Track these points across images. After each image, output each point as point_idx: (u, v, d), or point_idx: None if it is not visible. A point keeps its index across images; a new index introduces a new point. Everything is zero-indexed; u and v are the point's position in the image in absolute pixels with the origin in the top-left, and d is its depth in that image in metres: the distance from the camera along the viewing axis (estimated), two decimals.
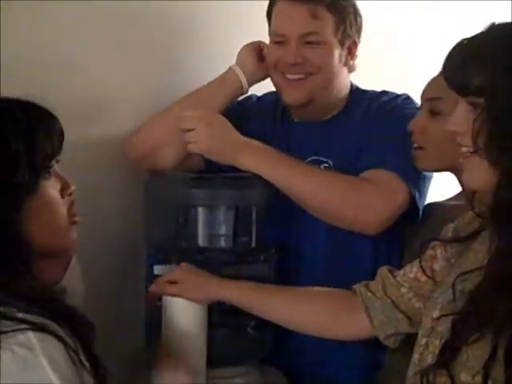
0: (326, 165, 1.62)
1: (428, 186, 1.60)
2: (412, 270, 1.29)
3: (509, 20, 1.14)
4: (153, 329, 1.43)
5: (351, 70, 1.67)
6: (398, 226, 1.58)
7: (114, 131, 1.66)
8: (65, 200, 1.10)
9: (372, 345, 1.54)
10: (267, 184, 1.48)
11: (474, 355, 1.00)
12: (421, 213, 1.57)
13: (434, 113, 1.45)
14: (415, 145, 1.49)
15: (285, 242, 1.58)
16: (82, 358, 0.93)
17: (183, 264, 1.42)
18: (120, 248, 1.67)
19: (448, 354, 1.02)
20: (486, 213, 1.09)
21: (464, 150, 1.07)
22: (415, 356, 1.12)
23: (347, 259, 1.59)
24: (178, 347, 1.36)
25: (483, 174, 1.05)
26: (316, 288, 1.42)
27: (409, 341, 1.21)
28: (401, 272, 1.32)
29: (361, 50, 1.67)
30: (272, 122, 1.70)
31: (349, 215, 1.52)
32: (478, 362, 0.99)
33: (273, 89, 1.68)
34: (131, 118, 1.67)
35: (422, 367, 1.08)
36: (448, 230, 1.25)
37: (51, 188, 1.07)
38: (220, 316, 1.43)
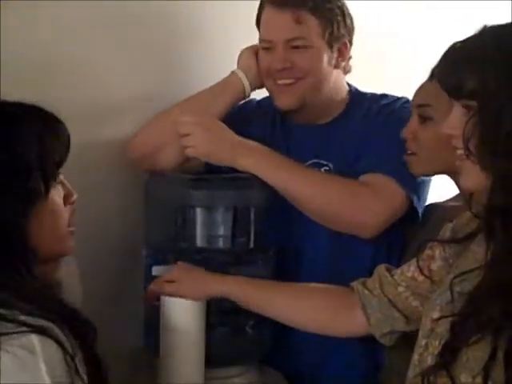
0: (327, 168, 1.63)
1: (428, 189, 1.61)
2: (409, 269, 1.30)
3: (509, 20, 1.14)
4: (152, 329, 1.43)
5: (346, 71, 1.67)
6: (399, 228, 1.58)
7: (113, 132, 1.66)
8: (67, 208, 1.11)
9: (371, 345, 1.55)
10: (266, 185, 1.49)
11: (473, 356, 1.00)
12: (420, 215, 1.58)
13: (424, 119, 1.45)
14: (408, 151, 1.49)
15: (285, 244, 1.58)
16: (78, 364, 0.94)
17: (180, 263, 1.43)
18: (119, 248, 1.67)
19: (448, 356, 1.03)
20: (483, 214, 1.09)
21: (459, 152, 1.07)
22: (415, 357, 1.12)
23: (348, 261, 1.59)
24: (177, 347, 1.36)
25: (476, 177, 1.06)
26: (315, 284, 1.43)
27: (408, 341, 1.21)
28: (398, 271, 1.32)
29: (361, 50, 1.67)
30: (272, 125, 1.71)
31: (345, 218, 1.53)
32: (478, 364, 0.99)
33: None
34: (131, 118, 1.67)
35: (422, 368, 1.08)
36: (446, 230, 1.25)
37: (56, 195, 1.09)
38: (219, 316, 1.43)
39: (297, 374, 1.61)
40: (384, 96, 1.69)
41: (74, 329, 0.96)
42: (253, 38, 1.66)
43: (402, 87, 1.74)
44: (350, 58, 1.66)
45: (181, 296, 1.38)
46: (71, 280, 1.16)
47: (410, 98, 1.65)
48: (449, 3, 2.32)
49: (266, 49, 1.61)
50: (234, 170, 1.51)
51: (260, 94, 1.72)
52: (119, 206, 1.67)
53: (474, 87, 1.02)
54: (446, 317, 1.06)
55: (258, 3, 1.64)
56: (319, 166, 1.63)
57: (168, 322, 1.37)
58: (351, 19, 1.63)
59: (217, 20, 1.80)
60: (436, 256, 1.25)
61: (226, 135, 1.53)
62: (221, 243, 1.44)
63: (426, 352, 1.09)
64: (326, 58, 1.60)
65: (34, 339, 0.92)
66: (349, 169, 1.59)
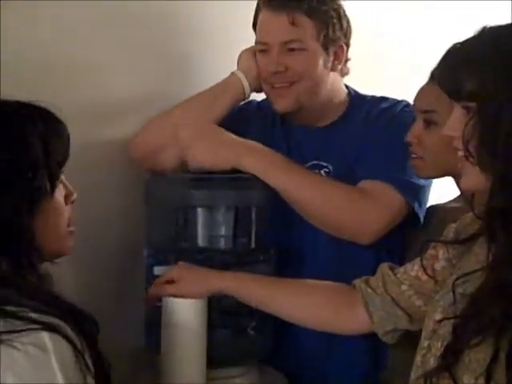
0: (326, 169, 1.63)
1: (428, 193, 1.61)
2: (413, 269, 1.29)
3: (509, 20, 1.14)
4: (153, 329, 1.43)
5: (344, 74, 1.67)
6: (400, 232, 1.59)
7: (114, 132, 1.66)
8: (67, 207, 1.12)
9: (372, 345, 1.55)
10: (267, 185, 1.48)
11: (476, 358, 1.00)
12: (422, 219, 1.58)
13: (428, 123, 1.45)
14: (413, 155, 1.49)
15: (286, 244, 1.58)
16: (87, 359, 0.94)
17: (180, 263, 1.42)
18: (120, 248, 1.67)
19: (450, 357, 1.03)
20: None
21: (460, 153, 1.07)
22: (418, 358, 1.12)
23: (349, 261, 1.59)
24: (178, 347, 1.36)
25: (476, 178, 1.06)
26: (316, 281, 1.42)
27: (412, 342, 1.21)
28: (401, 269, 1.32)
29: (360, 51, 1.67)
30: (272, 127, 1.71)
31: (343, 224, 1.53)
32: (481, 365, 0.99)
33: None
34: (132, 118, 1.67)
35: (425, 370, 1.08)
36: (450, 231, 1.25)
37: (59, 194, 1.09)
38: (220, 317, 1.43)
39: (297, 375, 1.61)
40: (384, 99, 1.69)
41: (78, 325, 0.96)
42: (253, 38, 1.66)
43: (400, 88, 1.74)
44: (348, 60, 1.66)
45: (182, 296, 1.37)
46: None
47: (409, 99, 1.66)
48: (447, 3, 2.33)
49: (262, 51, 1.61)
50: (234, 170, 1.51)
51: (260, 96, 1.72)
52: (120, 206, 1.66)
53: (473, 89, 1.02)
54: (449, 318, 1.06)
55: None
56: (319, 167, 1.63)
57: (170, 321, 1.37)
58: (348, 21, 1.63)
59: (217, 20, 1.80)
60: (439, 256, 1.25)
61: (225, 139, 1.52)
62: (222, 243, 1.45)
63: (428, 353, 1.09)
64: (321, 60, 1.60)
65: (45, 336, 0.92)
66: (348, 171, 1.59)
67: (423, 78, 1.50)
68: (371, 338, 1.37)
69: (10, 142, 1.02)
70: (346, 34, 1.63)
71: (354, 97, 1.70)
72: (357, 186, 1.54)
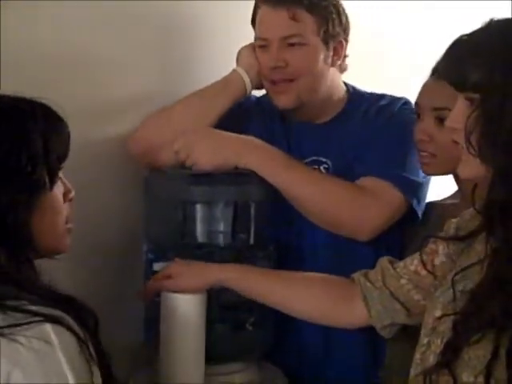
0: (326, 165, 1.63)
1: (427, 189, 1.61)
2: (413, 263, 1.29)
3: None
4: (152, 325, 1.43)
5: (342, 70, 1.67)
6: (399, 228, 1.59)
7: (114, 129, 1.66)
8: (66, 205, 1.12)
9: (373, 342, 1.56)
10: (266, 181, 1.49)
11: (475, 355, 1.00)
12: (420, 216, 1.58)
13: (440, 120, 1.45)
14: (424, 153, 1.49)
15: (285, 240, 1.58)
16: (91, 349, 0.95)
17: (177, 259, 1.43)
18: (119, 244, 1.68)
19: (450, 354, 1.02)
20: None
21: (461, 146, 1.07)
22: (417, 356, 1.12)
23: (348, 257, 1.59)
24: (177, 342, 1.36)
25: (475, 168, 1.05)
26: (315, 274, 1.42)
27: (409, 339, 1.21)
28: (401, 264, 1.32)
29: (360, 50, 1.67)
30: (271, 123, 1.71)
31: (342, 221, 1.53)
32: (480, 362, 0.99)
33: None
34: (131, 116, 1.67)
35: (425, 367, 1.08)
36: (450, 226, 1.25)
37: (57, 191, 1.09)
38: (219, 312, 1.43)
39: (297, 371, 1.61)
40: (382, 96, 1.70)
41: (79, 316, 0.96)
42: (253, 36, 1.66)
43: (400, 87, 1.75)
44: (346, 56, 1.67)
45: (180, 290, 1.37)
46: None
47: (409, 97, 1.67)
48: (447, 3, 2.33)
49: (262, 47, 1.62)
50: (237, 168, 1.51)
51: (259, 92, 1.73)
52: (119, 202, 1.67)
53: (478, 80, 1.02)
54: (448, 315, 1.06)
55: None
56: (318, 163, 1.63)
57: (168, 317, 1.37)
58: (346, 17, 1.64)
59: (217, 19, 1.80)
60: (439, 251, 1.25)
61: (223, 140, 1.52)
62: (221, 239, 1.44)
63: (428, 350, 1.09)
64: (322, 55, 1.60)
65: (49, 329, 0.92)
66: (347, 167, 1.59)
67: (423, 78, 1.50)
68: (370, 333, 1.37)
69: (10, 135, 1.02)
70: (345, 29, 1.63)
71: (353, 93, 1.71)
72: (356, 183, 1.55)
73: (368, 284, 1.32)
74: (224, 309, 1.44)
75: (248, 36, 1.67)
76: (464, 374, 1.01)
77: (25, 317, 0.92)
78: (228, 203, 1.43)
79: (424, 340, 1.11)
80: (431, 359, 1.08)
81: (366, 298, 1.32)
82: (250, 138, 1.54)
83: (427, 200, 1.62)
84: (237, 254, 1.45)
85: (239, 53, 1.67)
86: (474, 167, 1.06)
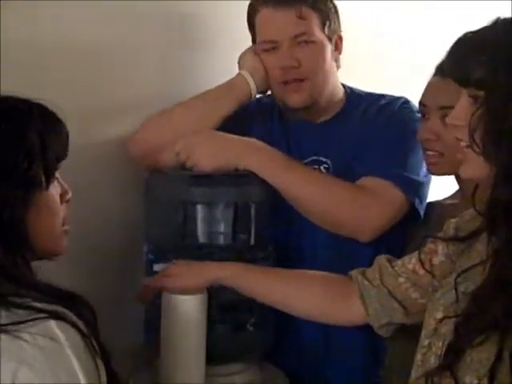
0: (326, 165, 1.63)
1: (428, 188, 1.61)
2: (411, 262, 1.29)
3: None
4: (152, 326, 1.43)
5: (338, 66, 1.67)
6: (400, 228, 1.59)
7: (114, 130, 1.66)
8: (62, 206, 1.12)
9: (374, 343, 1.55)
10: (266, 182, 1.49)
11: (478, 358, 1.00)
12: (422, 215, 1.58)
13: None
14: (431, 152, 1.49)
15: (286, 241, 1.58)
16: (94, 343, 0.95)
17: (175, 261, 1.42)
18: (120, 245, 1.68)
19: (452, 357, 1.02)
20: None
21: (463, 143, 1.07)
22: (418, 357, 1.12)
23: (348, 257, 1.59)
24: (177, 344, 1.36)
25: (479, 167, 1.05)
26: (314, 272, 1.42)
27: (409, 340, 1.21)
28: (399, 262, 1.32)
29: (361, 51, 1.68)
30: (271, 123, 1.71)
31: (344, 222, 1.53)
32: (483, 365, 0.99)
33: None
34: (132, 117, 1.67)
35: (426, 369, 1.07)
36: (450, 226, 1.25)
37: (54, 191, 1.09)
38: (220, 313, 1.43)
39: (297, 372, 1.61)
40: (382, 96, 1.70)
41: (80, 312, 0.96)
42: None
43: (400, 87, 1.75)
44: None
45: (179, 289, 1.37)
46: None
47: (409, 97, 1.67)
48: (447, 3, 2.33)
49: (268, 50, 1.61)
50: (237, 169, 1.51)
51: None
52: (120, 204, 1.66)
53: (483, 76, 1.02)
54: (450, 317, 1.05)
55: None
56: (318, 163, 1.63)
57: (169, 317, 1.37)
58: (338, 11, 1.65)
59: (220, 20, 1.80)
60: (439, 251, 1.25)
61: (223, 141, 1.52)
62: (221, 240, 1.44)
63: (429, 352, 1.09)
64: (329, 51, 1.61)
65: (53, 325, 0.92)
66: (347, 167, 1.59)
67: (423, 78, 1.50)
68: (370, 333, 1.37)
69: (7, 133, 1.03)
70: (340, 23, 1.65)
71: (351, 93, 1.71)
72: (357, 183, 1.55)
73: (365, 282, 1.32)
74: (224, 309, 1.43)
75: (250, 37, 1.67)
76: (466, 377, 1.01)
77: (28, 314, 0.92)
78: (228, 204, 1.43)
79: (425, 341, 1.11)
80: (432, 361, 1.07)
81: (364, 296, 1.32)
82: (251, 139, 1.54)
83: (427, 200, 1.62)
84: (237, 254, 1.45)
85: (242, 57, 1.67)
86: (476, 167, 1.06)
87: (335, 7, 1.63)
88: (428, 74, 1.51)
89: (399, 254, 1.57)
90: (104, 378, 0.96)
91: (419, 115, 1.58)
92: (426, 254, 1.26)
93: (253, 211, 1.46)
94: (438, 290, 1.17)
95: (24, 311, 0.92)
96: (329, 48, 1.61)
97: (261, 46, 1.63)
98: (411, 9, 2.29)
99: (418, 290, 1.27)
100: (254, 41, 1.66)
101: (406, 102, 1.66)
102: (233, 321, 1.46)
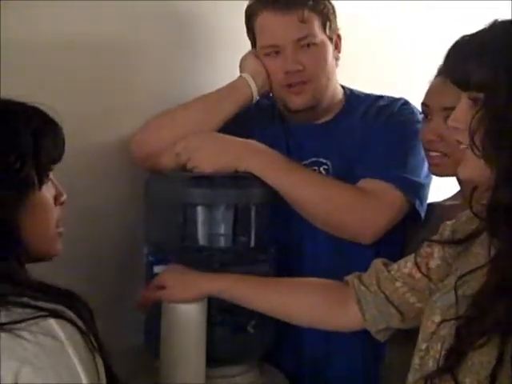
0: (326, 166, 1.63)
1: (428, 190, 1.61)
2: (406, 266, 1.29)
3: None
4: (152, 327, 1.43)
5: (337, 65, 1.67)
6: (401, 229, 1.59)
7: (114, 132, 1.65)
8: (56, 208, 1.12)
9: (374, 344, 1.55)
10: (266, 183, 1.48)
11: (479, 361, 0.99)
12: (423, 216, 1.58)
13: None
14: (435, 153, 1.49)
15: (286, 243, 1.58)
16: (93, 340, 0.95)
17: (170, 266, 1.43)
18: (120, 246, 1.68)
19: (453, 359, 1.02)
20: (484, 213, 1.08)
21: (463, 146, 1.07)
22: (416, 361, 1.11)
23: (349, 258, 1.59)
24: (178, 352, 1.36)
25: (478, 168, 1.05)
26: (309, 279, 1.42)
27: (409, 339, 1.20)
28: (395, 266, 1.31)
29: (361, 51, 1.67)
30: (271, 125, 1.71)
31: (345, 224, 1.53)
32: (484, 368, 0.98)
33: None
34: (132, 117, 1.66)
35: (424, 372, 1.07)
36: (445, 229, 1.24)
37: (47, 192, 1.09)
38: (220, 315, 1.43)
39: (297, 372, 1.61)
40: (381, 97, 1.70)
41: (78, 310, 0.96)
42: None
43: (400, 87, 1.75)
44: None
45: (175, 302, 1.36)
46: None
47: (409, 98, 1.67)
48: (447, 3, 2.33)
49: (269, 55, 1.61)
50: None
51: None
52: (120, 205, 1.66)
53: (483, 79, 1.01)
54: (449, 320, 1.05)
55: None
56: (318, 164, 1.63)
57: (169, 326, 1.37)
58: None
59: (220, 20, 1.80)
60: (435, 254, 1.24)
61: (224, 144, 1.51)
62: (222, 242, 1.44)
63: (427, 355, 1.09)
64: (331, 52, 1.62)
65: (53, 323, 0.92)
66: (347, 168, 1.59)
67: (423, 78, 1.50)
68: (370, 334, 1.37)
69: (0, 134, 1.03)
70: (337, 22, 1.65)
71: (350, 95, 1.71)
72: (357, 185, 1.54)
73: (362, 287, 1.32)
74: (225, 311, 1.43)
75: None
76: (467, 380, 1.00)
77: (28, 312, 0.92)
78: (229, 206, 1.42)
79: (422, 345, 1.11)
80: (431, 364, 1.07)
81: (361, 301, 1.31)
82: (251, 141, 1.54)
83: (428, 201, 1.62)
84: (237, 256, 1.45)
85: (243, 60, 1.66)
86: (475, 168, 1.05)
87: (333, 7, 1.63)
88: (428, 75, 1.51)
89: (400, 255, 1.57)
90: (103, 377, 0.96)
91: (419, 116, 1.58)
92: (422, 257, 1.26)
93: (253, 213, 1.46)
94: (434, 293, 1.17)
95: (23, 310, 0.92)
96: (330, 48, 1.62)
97: (262, 50, 1.63)
98: (411, 9, 2.29)
99: (416, 294, 1.27)
100: (252, 43, 1.66)
101: (406, 102, 1.66)
102: (233, 323, 1.46)
